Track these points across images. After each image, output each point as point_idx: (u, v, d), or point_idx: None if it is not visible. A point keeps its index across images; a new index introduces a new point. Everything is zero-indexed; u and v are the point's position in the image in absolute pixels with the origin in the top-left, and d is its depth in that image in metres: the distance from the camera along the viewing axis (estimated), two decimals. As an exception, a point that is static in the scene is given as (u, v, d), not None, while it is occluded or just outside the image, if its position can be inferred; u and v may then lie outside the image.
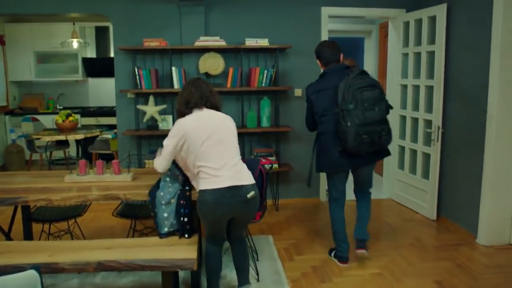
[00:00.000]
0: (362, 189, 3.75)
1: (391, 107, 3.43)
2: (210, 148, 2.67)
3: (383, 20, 6.37)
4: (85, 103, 8.07)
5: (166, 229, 2.91)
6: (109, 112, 7.51)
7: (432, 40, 4.63)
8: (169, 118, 4.97)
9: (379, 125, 3.28)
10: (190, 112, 2.80)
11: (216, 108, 2.89)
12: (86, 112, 7.60)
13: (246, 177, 2.72)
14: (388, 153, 3.60)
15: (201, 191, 2.67)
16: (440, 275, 3.43)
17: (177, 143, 2.71)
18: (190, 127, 2.70)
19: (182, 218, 2.87)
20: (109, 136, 6.31)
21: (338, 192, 3.61)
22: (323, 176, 5.34)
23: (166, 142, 2.76)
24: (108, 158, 3.90)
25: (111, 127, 6.87)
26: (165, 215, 2.89)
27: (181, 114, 2.83)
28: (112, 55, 7.48)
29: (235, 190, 2.63)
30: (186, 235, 2.90)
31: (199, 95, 2.81)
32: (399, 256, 3.79)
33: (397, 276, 3.41)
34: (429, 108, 4.72)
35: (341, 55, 3.60)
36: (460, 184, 4.38)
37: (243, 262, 3.00)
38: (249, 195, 2.65)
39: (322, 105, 3.48)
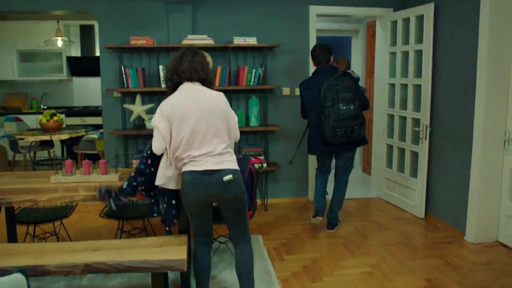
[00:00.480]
0: (338, 174, 4.39)
1: (367, 107, 4.17)
2: (192, 139, 2.56)
3: (370, 20, 6.40)
4: (70, 103, 7.95)
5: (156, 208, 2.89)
6: (94, 112, 7.41)
7: (419, 39, 4.66)
8: (157, 117, 4.91)
9: (352, 120, 3.94)
10: (177, 85, 2.65)
11: (206, 83, 2.70)
12: (71, 112, 7.48)
13: (226, 163, 2.60)
14: (364, 142, 4.22)
15: (182, 173, 2.62)
16: (430, 272, 3.44)
17: (165, 127, 2.58)
18: (174, 115, 2.55)
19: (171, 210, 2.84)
20: (95, 136, 6.22)
21: (322, 167, 4.41)
22: (311, 175, 5.34)
23: (153, 122, 2.63)
24: (94, 159, 3.84)
25: (96, 127, 6.77)
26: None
27: (169, 86, 2.70)
28: (97, 54, 7.43)
29: (211, 173, 2.55)
30: (167, 228, 2.90)
31: (189, 66, 2.63)
32: (388, 254, 3.80)
33: (387, 275, 3.41)
34: (417, 107, 4.75)
35: (331, 57, 4.24)
36: (448, 182, 4.41)
37: (244, 268, 2.78)
38: (225, 178, 2.55)
39: (310, 101, 4.14)
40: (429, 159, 4.65)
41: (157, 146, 2.63)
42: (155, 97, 4.94)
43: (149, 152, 2.74)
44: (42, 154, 6.92)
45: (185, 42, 4.71)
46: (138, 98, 4.75)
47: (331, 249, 3.92)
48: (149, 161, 2.75)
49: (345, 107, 3.91)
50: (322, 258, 3.74)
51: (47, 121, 5.52)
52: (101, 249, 2.74)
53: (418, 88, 4.72)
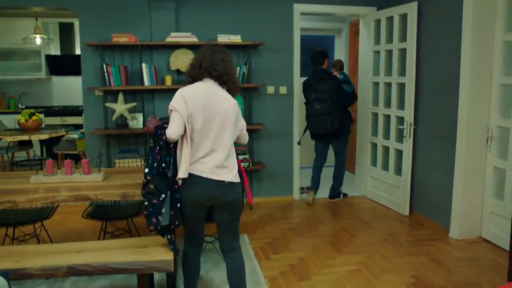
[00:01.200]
0: (334, 157, 5.29)
1: (348, 104, 5.02)
2: (201, 138, 2.49)
3: (353, 19, 6.42)
4: (49, 102, 7.76)
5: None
6: (75, 111, 7.25)
7: (403, 38, 4.68)
8: (139, 116, 4.82)
9: (325, 117, 4.80)
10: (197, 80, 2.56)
11: (224, 81, 2.57)
12: (50, 111, 7.30)
13: (225, 173, 2.53)
14: (343, 133, 5.05)
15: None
16: (416, 269, 3.45)
17: (186, 111, 2.45)
18: (195, 104, 2.45)
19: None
20: (76, 136, 6.07)
21: (318, 153, 5.26)
22: (296, 174, 5.33)
23: (172, 105, 2.49)
24: (74, 159, 3.74)
25: (77, 126, 6.63)
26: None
27: (191, 77, 2.60)
28: (77, 52, 7.28)
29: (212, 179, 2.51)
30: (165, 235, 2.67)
31: (223, 67, 2.53)
32: (375, 252, 3.80)
33: (374, 272, 3.41)
34: (401, 105, 4.77)
35: (325, 60, 5.01)
36: (432, 179, 4.44)
37: (237, 277, 2.69)
38: (226, 181, 2.52)
39: (305, 97, 5.06)
40: (413, 157, 4.68)
41: (174, 131, 2.46)
42: (138, 96, 4.86)
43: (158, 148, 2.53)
44: (21, 155, 6.74)
45: (169, 39, 4.64)
46: (121, 97, 4.66)
47: (318, 248, 3.91)
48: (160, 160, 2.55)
49: (318, 106, 4.81)
50: (309, 256, 3.72)
51: (26, 120, 5.36)
52: (85, 251, 2.66)
53: (402, 86, 4.75)
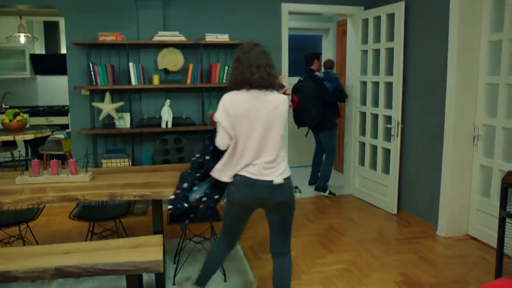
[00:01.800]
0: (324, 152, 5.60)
1: (329, 100, 5.24)
2: (248, 143, 2.45)
3: (340, 18, 6.44)
4: (34, 102, 7.64)
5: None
6: (60, 111, 7.16)
7: (391, 37, 4.71)
8: (127, 116, 4.77)
9: (303, 113, 5.20)
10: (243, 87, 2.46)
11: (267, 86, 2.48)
12: (35, 111, 7.19)
13: (274, 174, 2.49)
14: (330, 126, 5.34)
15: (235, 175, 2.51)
16: (405, 267, 3.47)
17: (228, 123, 2.44)
18: (236, 113, 2.42)
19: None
20: (61, 136, 5.99)
21: (316, 145, 5.70)
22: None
23: (216, 116, 2.48)
24: (60, 160, 3.68)
25: (62, 127, 6.54)
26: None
27: (233, 85, 2.51)
28: (62, 51, 7.18)
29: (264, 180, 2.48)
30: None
31: (264, 73, 2.44)
32: (364, 250, 3.82)
33: (364, 271, 3.42)
34: (389, 104, 4.80)
35: (315, 60, 5.28)
36: (420, 178, 4.47)
37: (283, 281, 2.65)
38: (275, 181, 2.46)
39: None
40: (401, 156, 4.71)
41: (220, 142, 2.51)
42: (125, 95, 4.81)
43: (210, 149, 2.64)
44: (5, 155, 6.62)
45: (156, 38, 4.61)
46: (108, 96, 4.61)
47: (307, 247, 3.91)
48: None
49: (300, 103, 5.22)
50: (299, 256, 3.72)
51: (10, 120, 5.27)
52: (72, 252, 2.62)
53: (389, 85, 4.77)
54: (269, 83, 2.47)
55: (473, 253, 3.75)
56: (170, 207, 2.62)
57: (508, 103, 3.66)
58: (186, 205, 2.59)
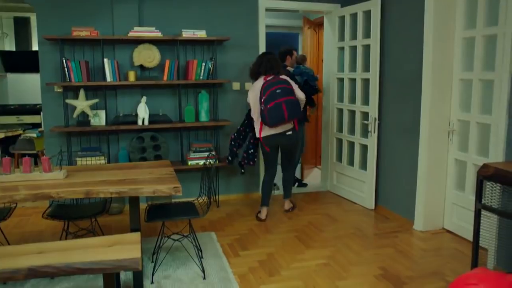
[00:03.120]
0: None
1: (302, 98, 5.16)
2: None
3: (317, 16, 6.47)
4: (4, 101, 7.41)
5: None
6: (32, 110, 6.97)
7: (367, 34, 4.75)
8: (102, 113, 4.67)
9: None
10: (258, 76, 4.39)
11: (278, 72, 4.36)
12: (5, 110, 6.99)
13: (286, 127, 4.33)
14: (299, 120, 5.23)
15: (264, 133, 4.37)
16: (384, 261, 3.50)
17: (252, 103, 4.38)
18: (253, 97, 4.35)
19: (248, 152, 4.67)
20: (34, 135, 5.84)
21: None
22: (262, 171, 5.31)
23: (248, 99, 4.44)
24: (33, 159, 3.57)
25: (35, 126, 6.37)
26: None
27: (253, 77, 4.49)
28: (34, 48, 6.99)
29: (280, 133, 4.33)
30: (242, 170, 4.78)
31: (268, 66, 4.34)
32: (342, 246, 3.83)
33: (343, 265, 3.43)
34: (366, 101, 4.84)
35: (287, 57, 5.27)
36: (397, 173, 4.52)
37: (286, 182, 4.77)
38: (287, 133, 4.33)
39: None
40: (378, 152, 4.76)
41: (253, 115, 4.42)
42: (100, 92, 4.71)
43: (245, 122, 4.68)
44: (-26, 156, 6.41)
45: (131, 34, 4.52)
46: (82, 93, 4.50)
47: (286, 243, 3.90)
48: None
49: None
50: (278, 252, 3.71)
51: (-21, 119, 5.11)
52: (46, 252, 2.53)
53: (366, 82, 4.82)
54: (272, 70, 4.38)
55: (449, 246, 3.82)
56: (229, 158, 4.74)
57: (482, 99, 3.73)
58: (237, 153, 4.73)
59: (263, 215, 4.54)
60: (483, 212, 2.89)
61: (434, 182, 4.11)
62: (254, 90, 4.28)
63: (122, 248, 2.58)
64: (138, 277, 3.00)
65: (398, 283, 3.14)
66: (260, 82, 4.25)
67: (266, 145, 4.33)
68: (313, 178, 6.29)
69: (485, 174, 2.80)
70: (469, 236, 3.76)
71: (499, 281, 1.99)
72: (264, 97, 4.10)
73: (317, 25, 6.52)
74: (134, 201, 3.06)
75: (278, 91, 4.09)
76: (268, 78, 4.21)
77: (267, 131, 4.29)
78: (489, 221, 3.33)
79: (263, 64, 4.31)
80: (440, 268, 3.38)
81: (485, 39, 3.65)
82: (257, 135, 4.35)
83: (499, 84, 3.35)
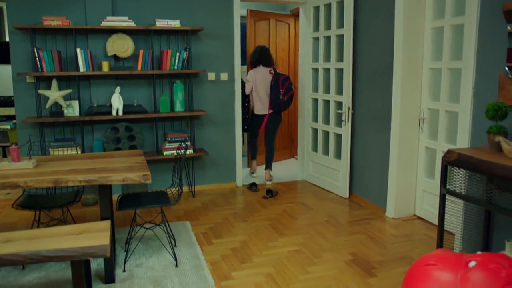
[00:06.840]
0: None
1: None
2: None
3: (294, 6, 6.48)
4: (-23, 93, 7.28)
5: None
6: (4, 102, 6.84)
7: (341, 24, 4.79)
8: (75, 103, 4.63)
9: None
10: (257, 65, 5.49)
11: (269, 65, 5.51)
12: (-22, 102, 6.86)
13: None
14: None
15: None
16: (354, 247, 3.57)
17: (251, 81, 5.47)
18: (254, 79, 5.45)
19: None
20: (8, 127, 5.77)
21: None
22: (239, 161, 5.34)
23: (247, 77, 5.46)
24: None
25: (8, 118, 6.28)
26: None
27: (251, 66, 5.54)
28: (6, 39, 6.86)
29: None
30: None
31: (266, 58, 5.48)
32: (315, 233, 3.89)
33: (314, 252, 3.49)
34: (340, 90, 4.89)
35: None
36: (370, 162, 4.59)
37: (267, 154, 5.58)
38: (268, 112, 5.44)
39: None
40: (352, 141, 4.82)
41: (248, 90, 5.47)
42: (73, 82, 4.66)
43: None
44: None
45: (104, 23, 4.48)
46: (54, 83, 4.45)
47: (260, 231, 3.95)
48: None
49: None
50: (251, 240, 3.75)
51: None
52: (14, 240, 2.52)
53: (340, 72, 4.86)
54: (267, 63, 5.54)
55: (419, 231, 3.90)
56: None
57: (450, 87, 3.80)
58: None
59: (254, 166, 5.97)
60: (450, 197, 2.97)
61: (405, 170, 4.19)
62: (263, 74, 5.44)
63: (90, 236, 2.58)
64: (110, 265, 3.01)
65: (367, 267, 3.21)
66: (264, 70, 5.43)
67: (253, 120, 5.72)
68: (289, 167, 6.34)
69: (449, 160, 2.87)
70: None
71: (456, 261, 2.06)
72: (282, 90, 5.26)
73: (294, 16, 6.54)
74: (104, 189, 3.05)
75: (289, 86, 5.28)
76: (279, 72, 5.50)
77: (265, 111, 5.51)
78: (456, 207, 3.42)
79: (263, 55, 5.41)
80: (409, 253, 3.46)
81: (453, 29, 3.72)
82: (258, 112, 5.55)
83: (466, 73, 3.43)
